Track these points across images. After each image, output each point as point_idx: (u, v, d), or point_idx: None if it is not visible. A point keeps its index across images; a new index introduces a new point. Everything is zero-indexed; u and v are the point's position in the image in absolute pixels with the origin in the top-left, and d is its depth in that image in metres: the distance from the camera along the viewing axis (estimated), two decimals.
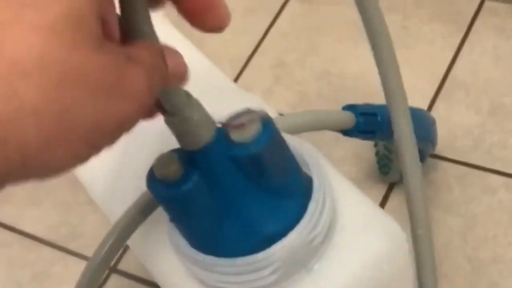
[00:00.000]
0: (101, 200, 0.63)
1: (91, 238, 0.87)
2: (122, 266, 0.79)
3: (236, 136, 0.41)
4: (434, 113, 0.83)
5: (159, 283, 0.54)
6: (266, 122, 0.42)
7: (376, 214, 0.49)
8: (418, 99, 0.82)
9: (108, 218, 0.66)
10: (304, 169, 0.47)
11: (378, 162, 0.77)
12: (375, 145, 0.77)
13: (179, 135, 0.40)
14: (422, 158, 0.73)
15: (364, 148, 0.81)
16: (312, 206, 0.44)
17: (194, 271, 0.46)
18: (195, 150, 0.40)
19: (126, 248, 0.80)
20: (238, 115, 0.42)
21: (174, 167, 0.41)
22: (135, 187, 0.53)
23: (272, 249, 0.43)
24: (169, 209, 0.44)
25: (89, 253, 0.85)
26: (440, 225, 0.74)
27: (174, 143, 0.42)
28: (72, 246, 0.88)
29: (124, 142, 0.45)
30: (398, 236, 0.48)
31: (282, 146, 0.43)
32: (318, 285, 0.45)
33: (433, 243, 0.57)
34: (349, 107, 0.59)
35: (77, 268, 0.86)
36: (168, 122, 0.39)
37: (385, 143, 0.74)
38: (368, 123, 0.58)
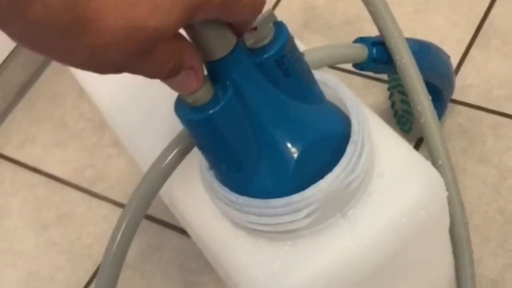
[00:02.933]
0: (130, 143, 0.62)
1: (115, 181, 0.86)
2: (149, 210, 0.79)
3: (252, 41, 0.40)
4: (468, 61, 0.81)
5: (188, 225, 0.53)
6: (276, 21, 0.40)
7: (414, 159, 0.47)
8: (452, 46, 0.79)
9: (137, 161, 0.65)
10: (343, 111, 0.45)
11: (398, 121, 0.75)
12: (392, 107, 0.76)
13: (208, 42, 0.38)
14: (442, 100, 0.71)
15: (386, 105, 0.79)
16: (351, 148, 0.43)
17: (226, 211, 0.45)
18: (223, 58, 0.38)
19: None
20: None
21: (206, 88, 0.39)
22: (167, 131, 0.51)
23: (309, 191, 0.42)
24: (201, 136, 0.42)
25: (113, 195, 0.85)
26: (472, 176, 0.72)
27: None
28: (96, 189, 0.87)
29: (156, 89, 0.43)
30: (437, 182, 0.47)
31: (297, 47, 0.42)
32: (353, 230, 0.44)
33: (455, 172, 0.55)
34: (360, 39, 0.59)
35: (101, 210, 0.87)
36: (196, 30, 0.37)
37: (402, 97, 0.72)
38: (381, 52, 0.58)
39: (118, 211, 0.83)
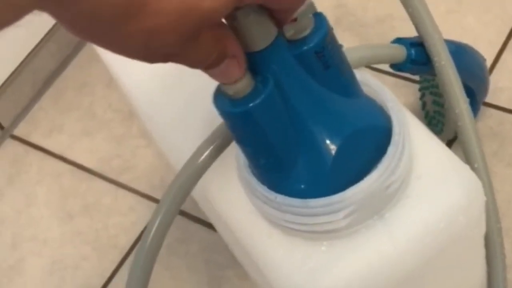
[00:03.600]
0: (161, 136, 0.62)
1: (142, 172, 0.86)
2: None
3: (292, 32, 0.39)
4: (501, 64, 0.80)
5: (220, 221, 0.53)
6: (316, 12, 0.40)
7: (454, 164, 0.47)
8: (484, 48, 0.78)
9: (166, 154, 0.65)
10: (384, 112, 0.45)
11: (429, 122, 0.75)
12: (423, 108, 0.75)
13: (250, 32, 0.37)
14: (475, 102, 0.71)
15: (416, 105, 0.78)
16: (391, 150, 0.42)
17: (263, 209, 0.45)
18: (264, 49, 0.38)
19: None
20: None
21: (247, 79, 0.38)
22: (200, 126, 0.51)
23: (348, 192, 0.41)
24: (240, 129, 0.41)
25: (139, 186, 0.85)
26: (502, 180, 0.71)
27: None
28: (122, 179, 0.87)
29: (189, 84, 0.43)
30: (476, 186, 0.46)
31: (336, 39, 0.41)
32: (391, 233, 0.44)
33: (490, 176, 0.55)
34: (398, 40, 0.58)
35: (127, 200, 0.87)
36: (239, 20, 0.37)
37: (435, 98, 0.72)
38: (419, 53, 0.57)
39: (144, 202, 0.83)
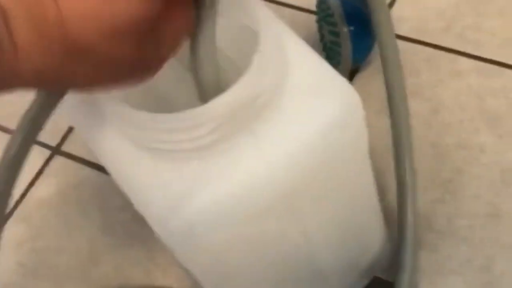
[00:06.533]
0: None
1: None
2: (66, 147, 0.75)
3: None
4: None
5: (100, 157, 0.49)
6: None
7: (331, 78, 0.44)
8: None
9: None
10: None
11: (327, 55, 0.72)
12: (321, 40, 0.72)
13: None
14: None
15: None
16: (256, 59, 0.39)
17: (127, 132, 0.41)
18: None
19: (71, 129, 0.75)
20: None
21: None
22: None
23: (211, 104, 0.38)
24: None
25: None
26: None
27: None
28: None
29: None
30: (353, 102, 0.44)
31: None
32: (262, 150, 0.41)
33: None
34: None
35: None
36: None
37: (330, 28, 0.69)
38: None
39: None
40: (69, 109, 0.47)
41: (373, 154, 0.48)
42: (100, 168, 0.71)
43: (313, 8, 0.74)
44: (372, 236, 0.57)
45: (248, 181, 0.41)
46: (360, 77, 0.73)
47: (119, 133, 0.43)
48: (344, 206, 0.48)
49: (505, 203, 0.62)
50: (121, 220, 0.68)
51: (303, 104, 0.42)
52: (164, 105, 0.46)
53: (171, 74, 0.42)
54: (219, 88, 0.40)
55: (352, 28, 0.68)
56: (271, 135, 0.41)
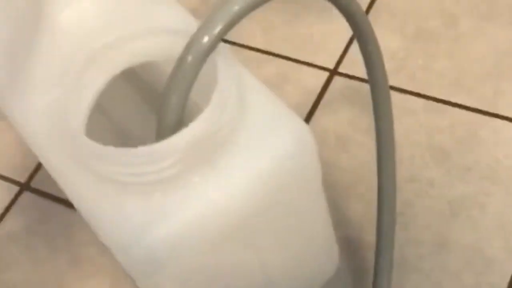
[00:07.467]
0: None
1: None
2: (35, 183, 0.77)
3: None
4: None
5: (65, 190, 0.52)
6: None
7: (285, 114, 0.48)
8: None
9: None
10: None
11: None
12: None
13: None
14: None
15: None
16: (216, 96, 0.43)
17: (91, 165, 0.44)
18: None
19: (39, 165, 0.78)
20: None
21: None
22: None
23: (174, 138, 0.41)
24: None
25: None
26: (358, 147, 0.73)
27: None
28: None
29: None
30: (305, 135, 0.47)
31: None
32: (221, 181, 0.44)
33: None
34: None
35: None
36: None
37: None
38: None
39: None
40: (38, 144, 0.50)
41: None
42: (69, 205, 0.73)
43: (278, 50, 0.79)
44: (327, 262, 0.60)
45: (206, 211, 0.44)
46: None
47: (83, 165, 0.46)
48: (298, 234, 0.52)
49: (453, 233, 0.66)
50: (88, 254, 0.71)
51: (259, 138, 0.45)
52: (124, 139, 0.49)
53: (132, 108, 0.45)
54: (180, 126, 0.43)
55: None
56: (230, 168, 0.44)
